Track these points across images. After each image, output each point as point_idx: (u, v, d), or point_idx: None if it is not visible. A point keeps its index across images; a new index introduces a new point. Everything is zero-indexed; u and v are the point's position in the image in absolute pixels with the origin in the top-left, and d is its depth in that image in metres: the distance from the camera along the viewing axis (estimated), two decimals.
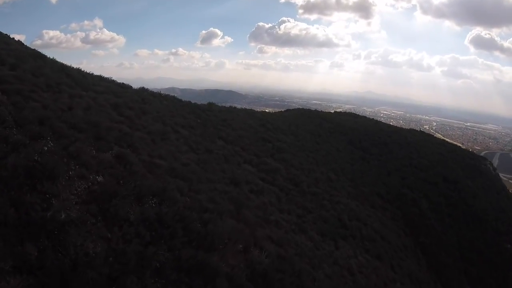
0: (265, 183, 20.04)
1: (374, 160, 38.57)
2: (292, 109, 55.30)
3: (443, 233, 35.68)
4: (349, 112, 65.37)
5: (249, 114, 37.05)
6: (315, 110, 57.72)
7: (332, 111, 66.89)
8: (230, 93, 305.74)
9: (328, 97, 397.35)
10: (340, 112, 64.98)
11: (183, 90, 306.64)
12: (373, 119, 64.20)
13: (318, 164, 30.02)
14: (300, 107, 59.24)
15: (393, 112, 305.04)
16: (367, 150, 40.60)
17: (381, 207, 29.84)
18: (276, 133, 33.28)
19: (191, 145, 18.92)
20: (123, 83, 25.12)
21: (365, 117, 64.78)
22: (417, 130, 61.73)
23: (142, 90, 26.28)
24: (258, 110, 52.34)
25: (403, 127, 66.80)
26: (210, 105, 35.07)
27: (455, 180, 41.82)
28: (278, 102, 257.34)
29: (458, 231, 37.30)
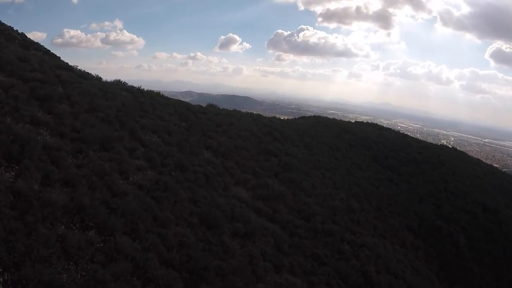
0: (261, 217, 14.03)
1: (403, 182, 31.96)
2: (307, 117, 48.28)
3: (481, 277, 28.95)
4: (372, 123, 57.71)
5: (254, 119, 30.94)
6: (333, 118, 50.33)
7: (353, 121, 60.25)
8: (246, 99, 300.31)
9: (345, 107, 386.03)
10: (362, 122, 57.37)
11: (200, 94, 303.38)
12: (399, 131, 57.11)
13: (337, 187, 23.80)
14: (316, 115, 52.39)
15: (410, 125, 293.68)
16: (395, 169, 33.91)
17: (412, 245, 23.43)
18: (286, 144, 27.22)
19: (155, 159, 13.07)
20: (88, 72, 19.52)
21: (390, 129, 57.60)
22: (450, 147, 54.24)
23: (116, 83, 20.66)
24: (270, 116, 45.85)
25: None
26: (208, 106, 29.40)
27: (495, 209, 34.88)
28: (294, 110, 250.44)
29: (498, 273, 30.51)
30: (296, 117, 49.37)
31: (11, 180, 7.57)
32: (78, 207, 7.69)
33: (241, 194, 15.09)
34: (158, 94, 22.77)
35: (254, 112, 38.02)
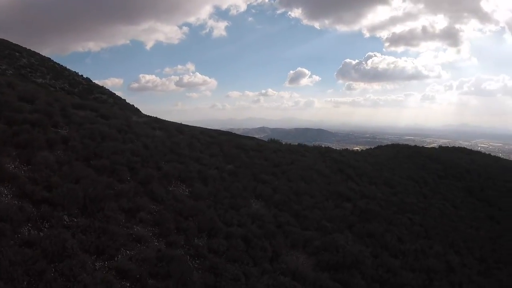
0: None
1: (506, 218, 24.29)
2: (385, 146, 41.61)
3: None
4: (459, 147, 48.83)
5: (322, 154, 26.26)
6: (415, 146, 42.95)
7: (436, 146, 52.06)
8: (320, 132, 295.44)
9: (421, 132, 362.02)
10: (448, 147, 48.86)
11: (273, 130, 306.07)
12: (490, 154, 47.85)
13: (429, 235, 17.97)
14: (394, 143, 45.50)
15: (490, 145, 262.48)
16: (494, 203, 26.17)
17: None
18: (361, 183, 22.09)
19: (168, 222, 9.27)
20: (122, 111, 16.90)
21: (480, 152, 48.50)
22: None
23: (151, 121, 17.81)
24: (349, 148, 40.62)
25: None
26: (267, 142, 25.68)
27: None
28: (369, 139, 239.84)
29: None
30: (372, 147, 43.03)
31: None
32: None
33: (297, 264, 10.55)
34: (201, 131, 19.43)
35: (327, 145, 33.26)
